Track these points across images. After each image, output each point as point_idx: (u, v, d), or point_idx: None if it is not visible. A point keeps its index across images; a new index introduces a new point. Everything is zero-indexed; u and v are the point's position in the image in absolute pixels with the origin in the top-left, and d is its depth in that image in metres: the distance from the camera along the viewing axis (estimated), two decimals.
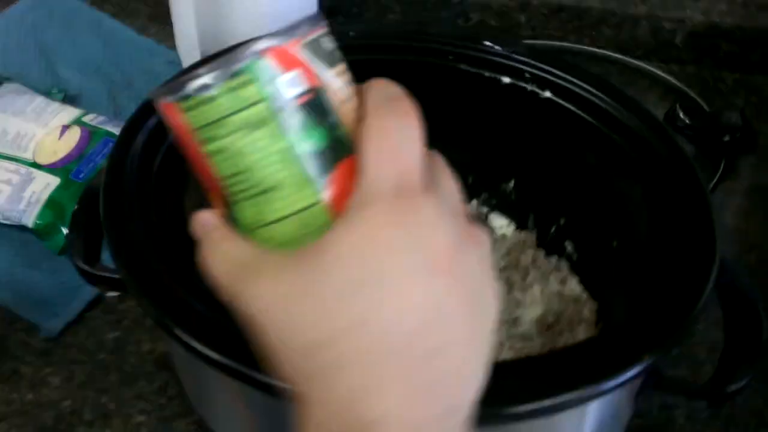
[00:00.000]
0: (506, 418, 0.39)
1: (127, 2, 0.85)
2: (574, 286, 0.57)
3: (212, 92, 0.28)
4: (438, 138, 0.32)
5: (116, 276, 0.47)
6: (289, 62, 0.29)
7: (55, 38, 0.80)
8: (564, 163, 0.57)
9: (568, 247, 0.59)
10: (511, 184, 0.61)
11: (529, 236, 0.61)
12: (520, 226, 0.62)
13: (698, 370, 0.58)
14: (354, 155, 0.30)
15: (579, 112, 0.54)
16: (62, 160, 0.64)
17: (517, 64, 0.56)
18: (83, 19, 0.83)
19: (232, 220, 0.31)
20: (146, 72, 0.78)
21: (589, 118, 0.54)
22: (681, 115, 0.73)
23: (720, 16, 0.82)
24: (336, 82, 0.30)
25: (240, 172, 0.29)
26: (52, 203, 0.62)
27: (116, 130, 0.66)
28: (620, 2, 0.83)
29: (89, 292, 0.59)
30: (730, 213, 0.70)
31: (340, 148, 0.30)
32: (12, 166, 0.64)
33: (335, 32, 0.31)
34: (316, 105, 0.29)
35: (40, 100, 0.69)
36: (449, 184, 0.31)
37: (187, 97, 0.29)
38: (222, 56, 0.29)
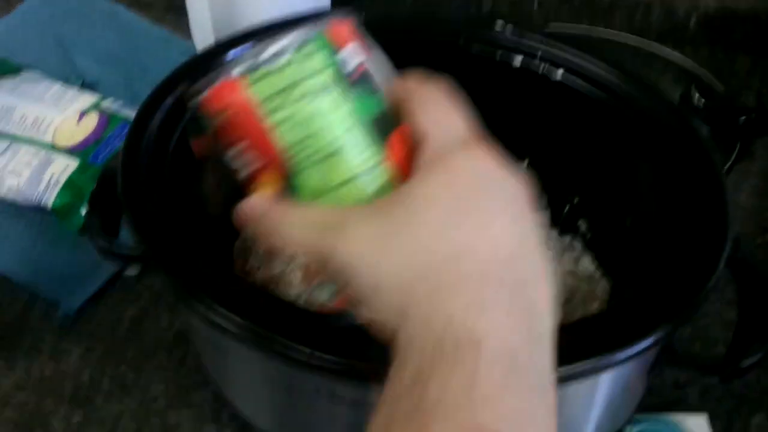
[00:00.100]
0: None
1: None
2: (587, 264, 0.58)
3: (282, 62, 0.31)
4: None
5: (133, 253, 0.48)
6: (348, 37, 0.32)
7: (71, 29, 0.82)
8: (577, 143, 0.57)
9: (582, 225, 0.59)
10: (525, 164, 0.61)
11: (543, 216, 0.61)
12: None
13: (711, 348, 0.58)
14: (404, 124, 0.32)
15: (592, 92, 0.54)
16: (80, 144, 0.65)
17: (528, 42, 0.56)
18: (99, 11, 0.84)
19: (292, 191, 0.32)
20: (161, 62, 0.78)
21: (603, 98, 0.54)
22: (696, 96, 0.73)
23: (734, 0, 0.81)
24: (382, 60, 0.33)
25: (306, 137, 0.31)
26: (71, 185, 0.63)
27: (133, 116, 0.67)
28: None
29: (107, 270, 0.60)
30: (745, 194, 0.70)
31: (393, 116, 0.32)
32: (32, 149, 0.65)
33: (350, 17, 0.33)
34: (370, 76, 0.32)
35: (58, 87, 0.70)
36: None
37: (256, 68, 0.31)
38: (279, 34, 0.31)
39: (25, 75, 0.72)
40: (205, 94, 0.32)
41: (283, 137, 0.31)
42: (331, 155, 0.31)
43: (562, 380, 0.39)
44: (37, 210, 0.64)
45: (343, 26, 0.32)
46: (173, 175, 0.48)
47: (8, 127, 0.67)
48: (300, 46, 0.31)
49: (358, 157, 0.32)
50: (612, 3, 0.83)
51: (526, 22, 0.84)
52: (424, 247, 0.29)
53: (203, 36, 0.75)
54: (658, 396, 0.54)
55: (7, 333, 0.58)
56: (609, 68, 0.55)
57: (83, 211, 0.62)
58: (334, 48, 0.32)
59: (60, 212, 0.62)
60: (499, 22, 0.57)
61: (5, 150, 0.66)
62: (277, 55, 0.31)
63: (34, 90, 0.69)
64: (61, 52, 0.79)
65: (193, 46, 0.79)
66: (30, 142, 0.66)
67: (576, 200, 0.59)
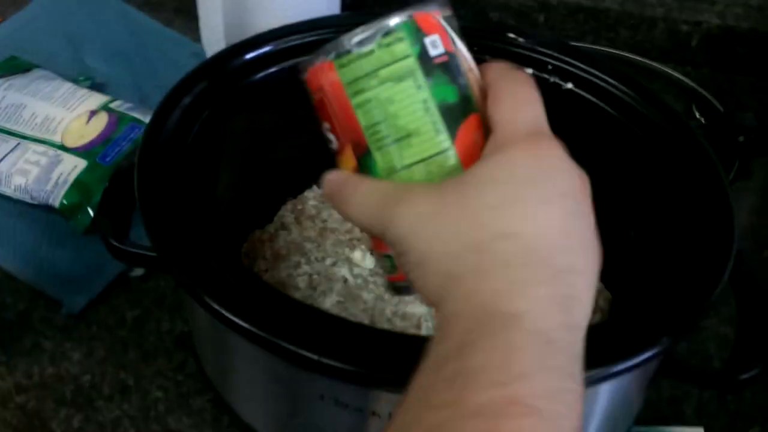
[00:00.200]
0: None
1: None
2: None
3: (370, 47, 0.34)
4: None
5: (142, 252, 0.48)
6: (432, 27, 0.34)
7: (82, 29, 0.82)
8: (583, 153, 0.57)
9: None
10: None
11: None
12: None
13: (708, 364, 0.59)
14: (478, 113, 0.35)
15: (600, 103, 0.55)
16: (89, 143, 0.66)
17: (539, 56, 0.57)
18: (110, 11, 0.84)
19: (369, 168, 0.35)
20: (171, 63, 0.79)
21: (610, 110, 0.55)
22: (696, 115, 0.74)
23: (736, 20, 0.83)
24: (464, 52, 0.35)
25: (384, 119, 0.34)
26: (79, 185, 0.63)
27: (142, 117, 0.68)
28: (637, 4, 0.84)
29: (111, 271, 0.61)
30: (744, 212, 0.71)
31: (467, 105, 0.35)
32: (41, 148, 0.66)
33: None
34: (450, 66, 0.34)
35: (68, 86, 0.70)
36: (562, 145, 0.35)
37: (345, 53, 0.34)
38: (366, 23, 0.34)
39: (35, 73, 0.72)
40: (307, 72, 0.36)
41: (364, 117, 0.34)
42: (406, 137, 0.34)
43: None
44: (44, 209, 0.64)
45: (431, 15, 0.35)
46: (188, 175, 0.48)
47: (17, 125, 0.68)
48: (387, 32, 0.34)
49: (430, 140, 0.34)
50: (617, 19, 0.85)
51: (534, 34, 0.85)
52: (473, 226, 0.31)
53: (213, 39, 0.76)
54: (655, 410, 0.55)
55: (9, 333, 0.58)
56: (617, 80, 0.56)
57: (90, 211, 0.62)
58: (419, 34, 0.34)
59: (67, 212, 0.63)
60: (510, 35, 0.58)
61: (14, 148, 0.66)
62: (366, 40, 0.34)
63: (44, 89, 0.70)
64: (71, 51, 0.79)
65: (201, 48, 0.80)
66: (39, 141, 0.66)
67: None
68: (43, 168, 0.64)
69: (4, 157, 0.66)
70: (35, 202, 0.64)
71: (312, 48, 0.56)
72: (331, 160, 0.63)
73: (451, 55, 0.35)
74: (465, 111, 0.35)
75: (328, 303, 0.54)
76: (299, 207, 0.61)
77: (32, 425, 0.53)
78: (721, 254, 0.45)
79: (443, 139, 0.34)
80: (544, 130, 0.34)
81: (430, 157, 0.34)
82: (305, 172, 0.63)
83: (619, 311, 0.55)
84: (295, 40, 0.57)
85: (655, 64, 0.84)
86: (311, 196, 0.62)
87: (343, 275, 0.56)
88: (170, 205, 0.46)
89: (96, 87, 0.74)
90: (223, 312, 0.41)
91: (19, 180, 0.64)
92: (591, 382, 0.40)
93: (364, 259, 0.56)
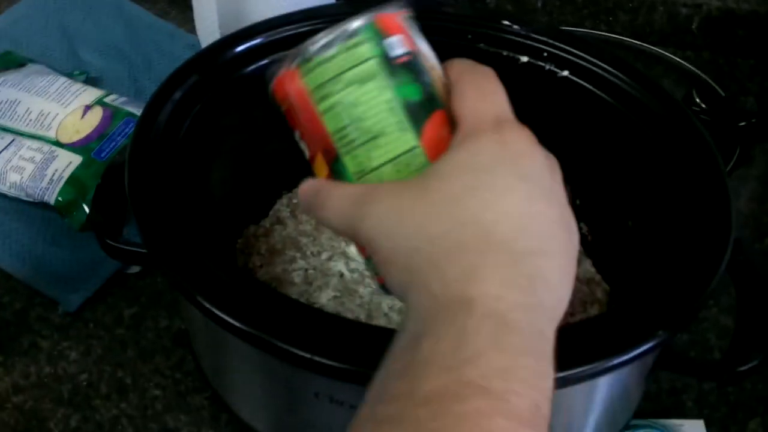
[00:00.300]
0: None
1: None
2: (588, 267, 0.58)
3: (333, 51, 0.34)
4: None
5: (138, 249, 0.48)
6: (393, 28, 0.35)
7: (76, 22, 0.81)
8: (580, 142, 0.57)
9: (583, 228, 0.59)
10: None
11: None
12: None
13: (707, 355, 0.58)
14: (444, 109, 0.35)
15: (596, 91, 0.55)
16: (84, 139, 0.65)
17: (535, 43, 0.56)
18: (104, 4, 0.84)
19: (341, 172, 0.35)
20: (166, 55, 0.79)
21: (607, 97, 0.54)
22: (697, 100, 0.73)
23: (736, 2, 0.81)
24: (427, 49, 0.36)
25: (351, 122, 0.34)
26: (74, 181, 0.63)
27: (137, 111, 0.67)
28: None
29: (108, 269, 0.60)
30: (744, 199, 0.70)
31: (432, 102, 0.35)
32: (35, 144, 0.65)
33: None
34: (413, 65, 0.35)
35: (62, 81, 0.70)
36: (530, 132, 0.35)
37: (309, 59, 0.34)
38: (333, 26, 0.34)
39: (29, 68, 0.72)
40: (273, 82, 0.36)
41: (331, 123, 0.35)
42: (372, 138, 0.34)
43: (561, 383, 0.39)
44: (39, 206, 0.64)
45: (392, 17, 0.35)
46: (180, 171, 0.48)
47: (12, 121, 0.67)
48: (349, 36, 0.34)
49: (397, 140, 0.34)
50: (615, 3, 0.84)
51: (529, 21, 0.84)
52: (433, 219, 0.32)
53: (208, 30, 0.75)
54: (654, 402, 0.55)
55: (6, 332, 0.58)
56: (614, 67, 0.55)
57: (86, 208, 0.62)
58: (381, 36, 0.34)
59: (63, 209, 0.62)
60: (505, 23, 0.57)
61: (9, 145, 0.66)
62: (328, 44, 0.34)
63: (38, 84, 0.69)
64: (66, 45, 0.79)
65: (197, 40, 0.79)
66: (34, 137, 0.66)
67: (578, 202, 0.59)
68: (38, 164, 0.64)
69: None
70: (30, 200, 0.64)
71: (305, 39, 0.56)
72: None
73: (413, 54, 0.35)
74: (430, 108, 0.35)
75: (324, 298, 0.53)
76: (294, 201, 0.61)
77: (30, 425, 0.53)
78: (719, 244, 0.45)
79: (409, 138, 0.34)
80: (508, 117, 0.34)
81: (398, 156, 0.34)
82: (300, 166, 0.62)
83: (618, 303, 0.54)
84: (288, 31, 0.56)
85: (654, 48, 0.83)
86: None
87: (339, 270, 0.55)
88: (162, 201, 0.45)
89: (91, 81, 0.74)
90: (216, 311, 0.40)
91: (14, 177, 0.64)
92: (589, 375, 0.40)
93: (360, 253, 0.56)
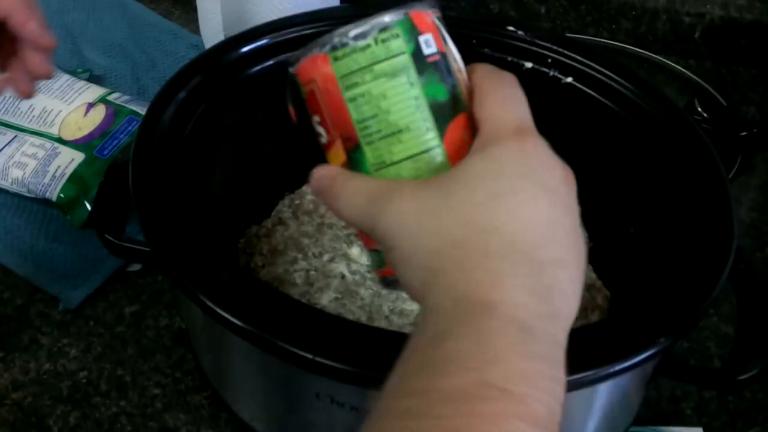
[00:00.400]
0: None
1: None
2: (589, 273, 0.58)
3: (366, 41, 0.34)
4: None
5: (139, 247, 0.48)
6: (426, 26, 0.35)
7: (80, 21, 0.82)
8: (583, 148, 0.57)
9: (584, 234, 0.59)
10: None
11: None
12: None
13: (707, 363, 0.58)
14: (466, 113, 0.35)
15: (600, 98, 0.55)
16: (87, 136, 0.65)
17: (539, 50, 0.56)
18: (108, 3, 0.84)
19: (359, 162, 0.35)
20: (169, 54, 0.79)
21: (610, 104, 0.55)
22: (698, 109, 0.73)
23: (739, 11, 0.82)
24: (455, 52, 0.36)
25: (376, 114, 0.34)
26: (76, 178, 0.63)
27: (140, 109, 0.67)
28: None
29: (109, 266, 0.60)
30: (746, 208, 0.70)
31: (457, 105, 0.35)
32: (38, 141, 0.65)
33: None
34: (441, 65, 0.35)
35: (65, 78, 0.70)
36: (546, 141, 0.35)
37: (341, 46, 0.34)
38: (362, 18, 0.34)
39: None
40: (299, 64, 0.36)
41: (356, 111, 0.35)
42: (396, 133, 0.35)
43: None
44: (41, 203, 0.64)
45: (426, 14, 0.35)
46: (183, 170, 0.48)
47: (15, 118, 0.67)
48: (384, 28, 0.34)
49: (420, 137, 0.35)
50: (618, 11, 0.84)
51: (534, 27, 0.84)
52: (456, 222, 0.32)
53: (212, 31, 0.75)
54: (654, 409, 0.55)
55: (7, 328, 0.58)
56: (617, 74, 0.55)
57: (88, 205, 0.62)
58: (415, 32, 0.35)
59: (64, 206, 0.62)
60: (510, 28, 0.57)
61: (11, 141, 0.66)
62: (363, 34, 0.34)
63: (42, 81, 0.69)
64: (70, 44, 0.79)
65: (200, 40, 0.79)
66: (36, 133, 0.66)
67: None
68: (40, 161, 0.64)
69: (1, 149, 0.65)
70: (32, 196, 0.64)
71: (309, 41, 0.57)
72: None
73: (443, 54, 0.35)
74: (454, 110, 0.35)
75: (326, 299, 0.54)
76: (297, 202, 0.61)
77: (29, 422, 0.53)
78: (720, 252, 0.45)
79: (432, 137, 0.35)
80: (530, 126, 0.34)
81: (419, 153, 0.35)
82: (303, 167, 0.62)
83: (618, 310, 0.54)
84: (292, 33, 0.57)
85: (657, 56, 0.83)
86: (309, 191, 0.61)
87: (340, 271, 0.55)
88: (166, 200, 0.45)
89: (94, 79, 0.74)
90: (218, 310, 0.40)
91: (16, 173, 0.64)
92: (589, 382, 0.40)
93: (361, 256, 0.56)
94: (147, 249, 0.48)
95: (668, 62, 0.82)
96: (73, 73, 0.72)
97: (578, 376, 0.39)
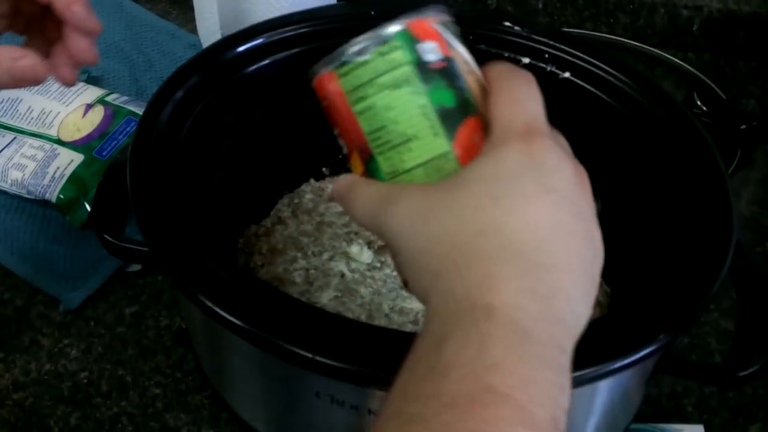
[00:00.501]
0: None
1: None
2: None
3: (367, 56, 0.35)
4: None
5: (139, 247, 0.48)
6: (428, 34, 0.35)
7: None
8: (581, 144, 0.56)
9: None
10: None
11: None
12: None
13: (708, 359, 0.58)
14: (478, 115, 0.35)
15: (598, 92, 0.55)
16: (86, 137, 0.65)
17: (536, 45, 0.56)
18: (105, 3, 0.84)
19: (372, 174, 0.36)
20: (167, 55, 0.79)
21: (608, 99, 0.54)
22: (698, 102, 0.73)
23: (737, 4, 0.82)
24: (463, 55, 0.36)
25: (385, 125, 0.35)
26: (76, 179, 0.63)
27: (139, 110, 0.67)
28: None
29: (109, 267, 0.60)
30: (745, 202, 0.70)
31: (466, 108, 0.35)
32: (37, 142, 0.65)
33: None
34: (448, 70, 0.35)
35: None
36: (564, 140, 0.35)
37: (345, 63, 0.35)
38: (367, 31, 0.35)
39: None
40: (313, 81, 0.37)
41: (366, 123, 0.36)
42: (405, 141, 0.35)
43: None
44: (40, 204, 0.64)
45: (427, 22, 0.35)
46: (182, 170, 0.48)
47: (14, 119, 0.67)
48: (384, 41, 0.35)
49: (429, 144, 0.35)
50: (616, 5, 0.84)
51: (531, 23, 0.84)
52: (457, 224, 0.32)
53: (209, 31, 0.75)
54: (655, 406, 0.55)
55: (7, 329, 0.58)
56: (615, 69, 0.55)
57: (87, 206, 0.62)
58: (415, 41, 0.35)
59: (64, 207, 0.62)
60: (507, 24, 0.57)
61: (10, 143, 0.66)
62: (363, 50, 0.35)
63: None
64: None
65: (198, 40, 0.79)
66: (35, 135, 0.66)
67: None
68: (39, 162, 0.64)
69: (0, 151, 0.65)
70: (32, 197, 0.64)
71: (306, 39, 0.57)
72: (328, 154, 0.63)
73: (448, 59, 0.35)
74: (464, 113, 0.35)
75: (325, 298, 0.54)
76: (296, 201, 0.61)
77: (30, 422, 0.53)
78: (720, 247, 0.45)
79: (442, 143, 0.35)
80: (540, 127, 0.34)
81: (430, 160, 0.35)
82: (302, 166, 0.62)
83: (618, 306, 0.54)
84: (288, 32, 0.56)
85: (655, 50, 0.83)
86: (308, 190, 0.61)
87: (340, 270, 0.55)
88: (164, 200, 0.45)
89: (92, 80, 0.74)
90: (217, 309, 0.40)
91: (15, 175, 0.64)
92: (589, 379, 0.40)
93: (361, 254, 0.56)
94: (146, 249, 0.47)
95: (667, 56, 0.82)
96: None
97: (579, 373, 0.39)
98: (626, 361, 0.40)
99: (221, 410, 0.54)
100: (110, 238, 0.48)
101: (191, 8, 0.78)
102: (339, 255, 0.56)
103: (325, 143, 0.53)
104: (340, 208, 0.60)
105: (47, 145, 0.65)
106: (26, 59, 0.40)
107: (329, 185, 0.62)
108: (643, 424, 0.53)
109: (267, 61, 0.55)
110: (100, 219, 0.49)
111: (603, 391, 0.45)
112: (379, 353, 0.39)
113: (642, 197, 0.54)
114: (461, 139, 0.35)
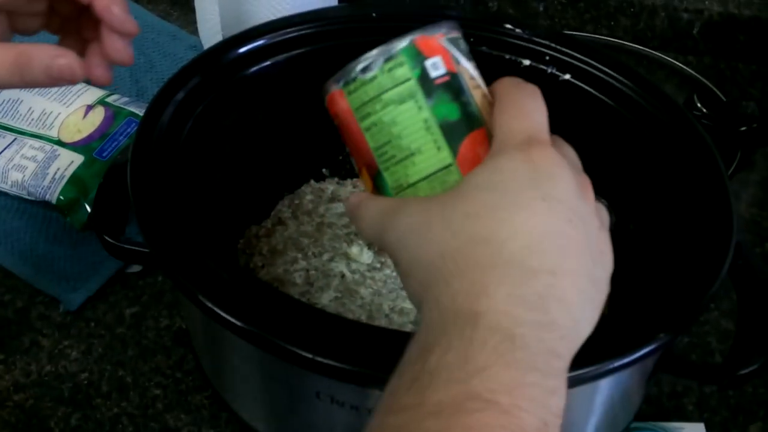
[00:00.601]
0: None
1: None
2: None
3: (373, 73, 0.36)
4: None
5: (139, 248, 0.48)
6: (433, 50, 0.36)
7: None
8: (581, 146, 0.57)
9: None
10: None
11: None
12: None
13: (708, 358, 0.58)
14: (483, 128, 0.36)
15: (598, 94, 0.55)
16: (86, 138, 0.65)
17: (537, 47, 0.56)
18: None
19: (380, 190, 0.37)
20: (168, 56, 0.79)
21: (609, 101, 0.55)
22: (698, 105, 0.73)
23: (737, 8, 0.82)
24: (470, 70, 0.37)
25: (390, 140, 0.36)
26: (76, 180, 0.63)
27: (139, 111, 0.67)
28: None
29: (110, 267, 0.60)
30: (745, 203, 0.70)
31: (471, 121, 0.36)
32: (37, 143, 0.65)
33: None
34: (452, 85, 0.36)
35: None
36: (571, 151, 0.36)
37: (352, 80, 0.36)
38: (377, 47, 0.36)
39: None
40: (325, 101, 0.38)
41: (372, 140, 0.36)
42: (409, 156, 0.36)
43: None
44: (41, 205, 0.64)
45: (433, 39, 0.36)
46: (182, 171, 0.48)
47: (14, 120, 0.67)
48: (389, 58, 0.35)
49: (432, 158, 0.36)
50: (617, 8, 0.84)
51: (532, 25, 0.84)
52: (450, 233, 0.32)
53: (211, 32, 0.76)
54: (655, 405, 0.55)
55: (8, 330, 0.58)
56: (615, 71, 0.55)
57: (88, 207, 0.62)
58: (420, 57, 0.36)
59: (64, 208, 0.62)
60: (507, 26, 0.57)
61: (10, 144, 0.66)
62: (369, 67, 0.36)
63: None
64: None
65: (199, 41, 0.79)
66: (35, 136, 0.66)
67: None
68: (39, 163, 0.64)
69: (0, 152, 0.65)
70: (32, 198, 0.64)
71: (307, 41, 0.57)
72: (328, 155, 0.63)
73: (453, 75, 0.36)
74: (469, 127, 0.36)
75: (326, 299, 0.54)
76: (296, 202, 0.61)
77: (30, 424, 0.53)
78: (720, 247, 0.45)
79: (445, 156, 0.35)
80: (540, 136, 0.34)
81: (433, 173, 0.36)
82: (302, 167, 0.62)
83: (618, 306, 0.54)
84: (290, 33, 0.57)
85: (656, 53, 0.83)
86: (308, 191, 0.61)
87: (340, 271, 0.55)
88: (164, 201, 0.45)
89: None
90: (217, 310, 0.40)
91: (15, 176, 0.64)
92: (590, 378, 0.40)
93: (361, 255, 0.56)
94: (146, 250, 0.48)
95: (667, 58, 0.82)
96: None
97: (579, 373, 0.39)
98: (626, 360, 0.40)
99: (221, 410, 0.54)
100: (110, 239, 0.48)
101: (192, 10, 0.78)
102: (339, 256, 0.56)
103: (325, 144, 0.54)
104: (340, 209, 0.60)
105: (47, 146, 0.65)
106: (64, 58, 0.40)
107: (329, 186, 0.62)
108: (643, 423, 0.53)
109: (268, 63, 0.56)
110: (101, 220, 0.49)
111: (603, 390, 0.45)
112: (379, 354, 0.39)
113: (642, 198, 0.54)
114: (465, 153, 0.35)
